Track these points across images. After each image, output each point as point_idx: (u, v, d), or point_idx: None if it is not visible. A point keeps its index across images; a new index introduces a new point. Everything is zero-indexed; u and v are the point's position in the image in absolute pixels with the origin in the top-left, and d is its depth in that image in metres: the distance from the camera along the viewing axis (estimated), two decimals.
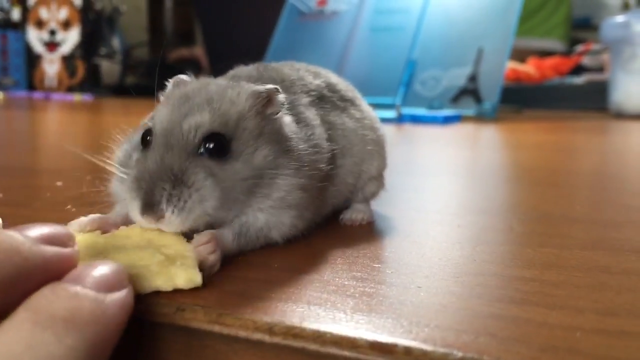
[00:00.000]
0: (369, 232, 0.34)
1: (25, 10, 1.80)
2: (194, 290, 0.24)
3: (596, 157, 0.72)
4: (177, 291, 0.24)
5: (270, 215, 0.30)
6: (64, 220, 0.28)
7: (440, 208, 0.41)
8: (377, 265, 0.28)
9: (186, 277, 0.24)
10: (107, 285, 0.21)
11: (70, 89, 1.74)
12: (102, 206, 0.31)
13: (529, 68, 1.57)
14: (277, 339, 0.21)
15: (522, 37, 1.68)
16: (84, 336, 0.19)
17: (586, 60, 1.71)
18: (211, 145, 0.28)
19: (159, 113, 0.29)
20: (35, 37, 1.78)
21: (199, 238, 0.27)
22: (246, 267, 0.27)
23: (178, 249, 0.26)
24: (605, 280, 0.26)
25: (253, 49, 1.40)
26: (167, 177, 0.27)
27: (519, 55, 1.61)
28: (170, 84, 0.33)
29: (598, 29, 1.41)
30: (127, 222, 0.29)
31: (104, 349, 0.20)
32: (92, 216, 0.30)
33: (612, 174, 0.59)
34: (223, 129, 0.29)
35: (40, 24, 1.78)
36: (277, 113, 0.31)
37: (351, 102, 0.38)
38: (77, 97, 1.65)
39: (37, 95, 1.69)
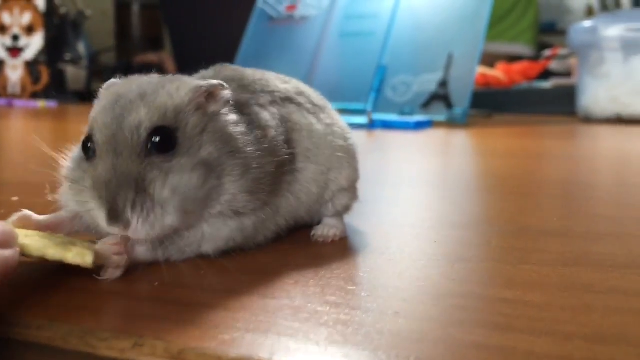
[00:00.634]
0: (342, 250, 0.33)
1: None
2: (152, 321, 0.22)
3: (567, 164, 0.72)
4: (135, 323, 0.22)
5: (206, 225, 0.29)
6: None
7: (414, 222, 0.39)
8: (351, 288, 0.26)
9: (78, 252, 0.26)
10: None
11: (35, 96, 1.69)
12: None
13: (498, 73, 1.57)
14: None
15: (491, 42, 1.69)
16: None
17: (554, 65, 1.73)
18: (157, 139, 0.27)
19: (95, 118, 0.28)
20: None
21: (109, 238, 0.27)
22: (209, 292, 0.26)
23: (85, 244, 0.27)
24: (591, 302, 0.25)
25: (222, 54, 1.37)
26: (126, 184, 0.26)
27: (488, 60, 1.62)
28: (102, 87, 0.31)
29: (564, 34, 1.42)
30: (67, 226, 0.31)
31: None
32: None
33: (585, 182, 0.58)
34: (164, 122, 0.28)
35: (2, 29, 1.73)
36: (222, 110, 0.30)
37: (321, 108, 0.37)
38: (41, 103, 1.61)
39: (0, 102, 1.64)
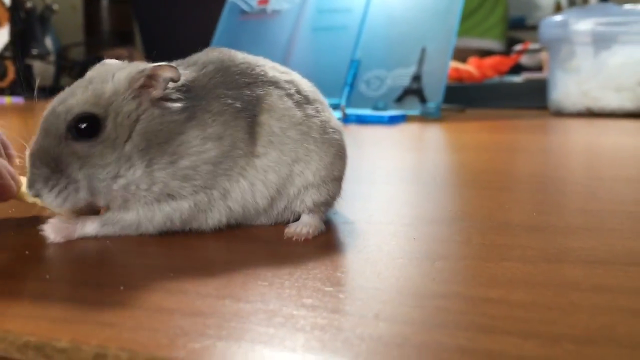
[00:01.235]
0: (318, 248, 0.31)
1: None
2: (115, 329, 0.21)
3: (541, 157, 0.72)
4: (96, 331, 0.21)
5: (143, 209, 0.31)
6: None
7: (392, 218, 0.38)
8: (328, 289, 0.25)
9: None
10: None
11: (0, 92, 1.65)
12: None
13: (471, 67, 1.57)
14: None
15: (460, 37, 1.69)
16: None
17: (525, 60, 1.74)
18: (83, 126, 0.30)
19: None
20: None
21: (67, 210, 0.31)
22: (178, 295, 0.24)
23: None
24: (577, 300, 0.24)
25: (193, 48, 1.35)
26: (44, 162, 0.30)
27: (460, 55, 1.62)
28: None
29: (533, 29, 1.42)
30: None
31: None
32: None
33: (559, 176, 0.58)
34: (94, 109, 0.30)
35: None
36: (167, 97, 0.30)
37: (309, 100, 0.35)
38: (7, 99, 1.56)
39: None
